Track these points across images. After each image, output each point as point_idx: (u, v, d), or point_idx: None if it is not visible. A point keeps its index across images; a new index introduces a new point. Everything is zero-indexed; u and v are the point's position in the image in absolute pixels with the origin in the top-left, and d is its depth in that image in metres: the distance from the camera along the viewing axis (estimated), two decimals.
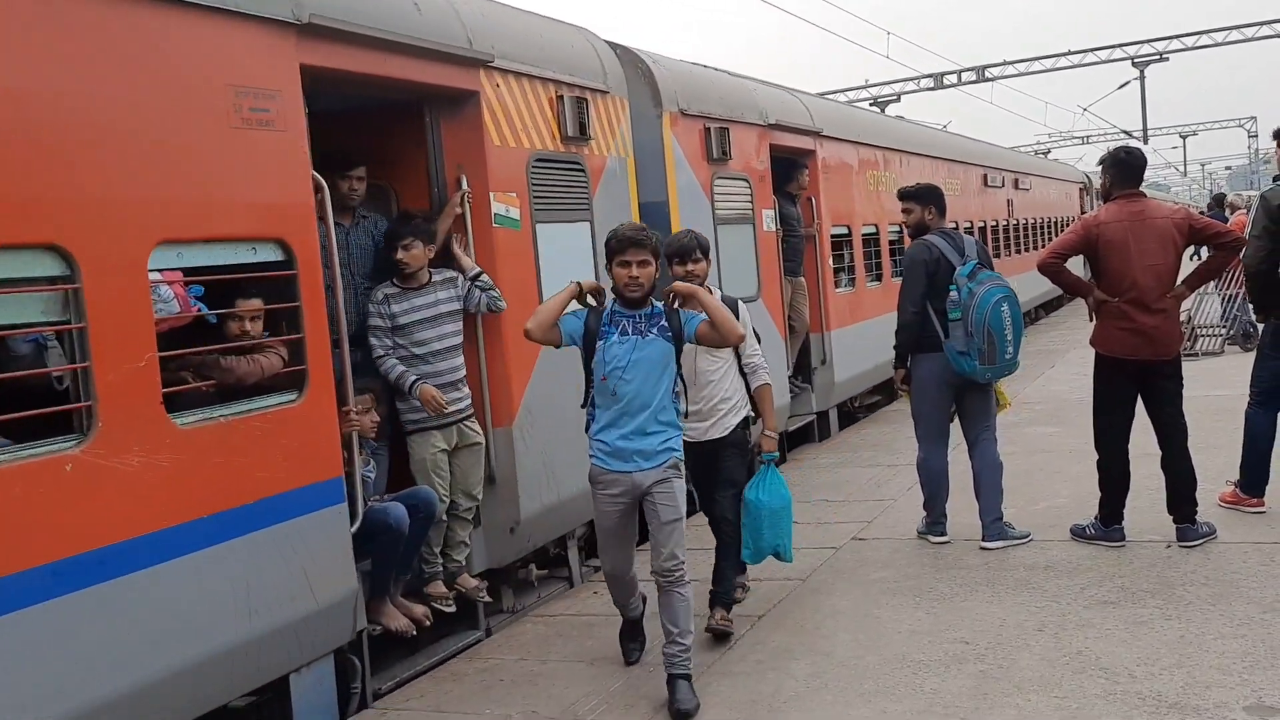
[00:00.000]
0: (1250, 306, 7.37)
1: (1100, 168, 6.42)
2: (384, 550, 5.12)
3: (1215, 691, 4.27)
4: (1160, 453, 6.24)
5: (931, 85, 36.27)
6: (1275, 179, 6.53)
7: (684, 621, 4.72)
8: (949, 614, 5.44)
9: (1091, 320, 6.32)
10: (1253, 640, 4.73)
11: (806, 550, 6.62)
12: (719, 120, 8.75)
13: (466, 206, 5.87)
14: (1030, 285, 17.83)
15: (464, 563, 5.83)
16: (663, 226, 7.25)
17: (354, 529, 4.89)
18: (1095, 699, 4.32)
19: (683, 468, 4.85)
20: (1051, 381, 12.74)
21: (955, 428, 6.72)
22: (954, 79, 36.08)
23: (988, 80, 35.86)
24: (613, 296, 4.86)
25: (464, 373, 5.81)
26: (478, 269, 5.85)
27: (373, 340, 5.62)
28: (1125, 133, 45.66)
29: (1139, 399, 6.23)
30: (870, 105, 32.98)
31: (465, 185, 5.88)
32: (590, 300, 4.82)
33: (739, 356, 5.47)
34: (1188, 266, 6.41)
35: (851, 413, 12.06)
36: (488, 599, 5.89)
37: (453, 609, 5.67)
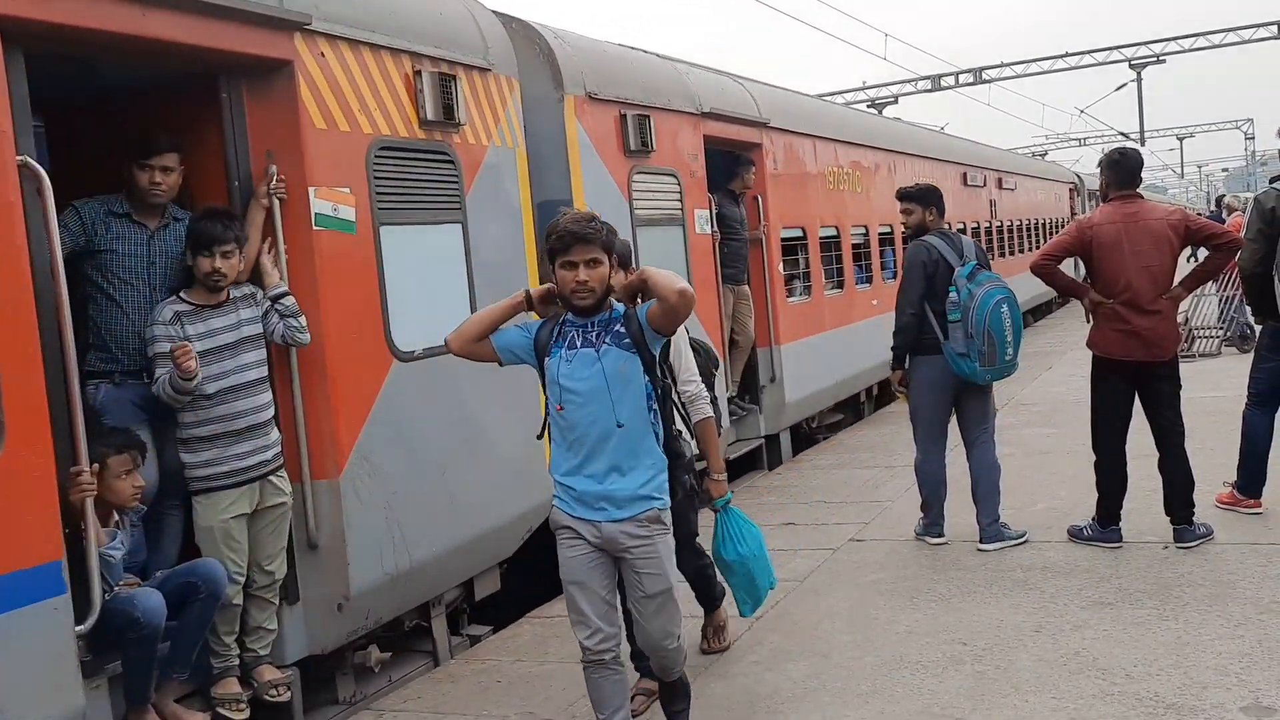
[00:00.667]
0: (1248, 308, 7.44)
1: (1098, 169, 6.39)
2: (135, 650, 3.94)
3: (1212, 692, 4.25)
4: (1157, 454, 6.22)
5: (929, 87, 35.82)
6: (1271, 181, 6.45)
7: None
8: (946, 615, 5.43)
9: (1089, 322, 6.32)
10: (1250, 641, 4.71)
11: (804, 552, 6.76)
12: (638, 106, 7.57)
13: (275, 198, 4.67)
14: (1017, 290, 16.70)
15: (266, 652, 4.62)
16: None
17: (85, 627, 3.72)
18: (1092, 699, 4.29)
19: (669, 519, 3.89)
20: (1049, 383, 12.61)
21: (954, 429, 6.66)
22: (951, 81, 35.56)
23: (985, 82, 35.43)
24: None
25: (272, 412, 4.63)
26: (282, 286, 4.67)
27: (158, 372, 4.37)
28: (1122, 134, 45.22)
29: (1137, 400, 6.22)
30: (868, 107, 32.21)
31: (274, 171, 4.69)
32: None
33: (674, 381, 4.43)
34: (1185, 269, 6.39)
35: (810, 435, 10.83)
36: (283, 697, 4.60)
37: (245, 714, 4.44)
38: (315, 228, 4.79)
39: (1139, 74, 36.20)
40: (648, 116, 7.56)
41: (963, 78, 35.54)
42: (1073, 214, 26.92)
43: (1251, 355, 6.75)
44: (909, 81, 36.06)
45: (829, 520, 7.54)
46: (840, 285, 11.41)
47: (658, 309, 3.72)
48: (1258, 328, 6.80)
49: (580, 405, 3.74)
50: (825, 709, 4.48)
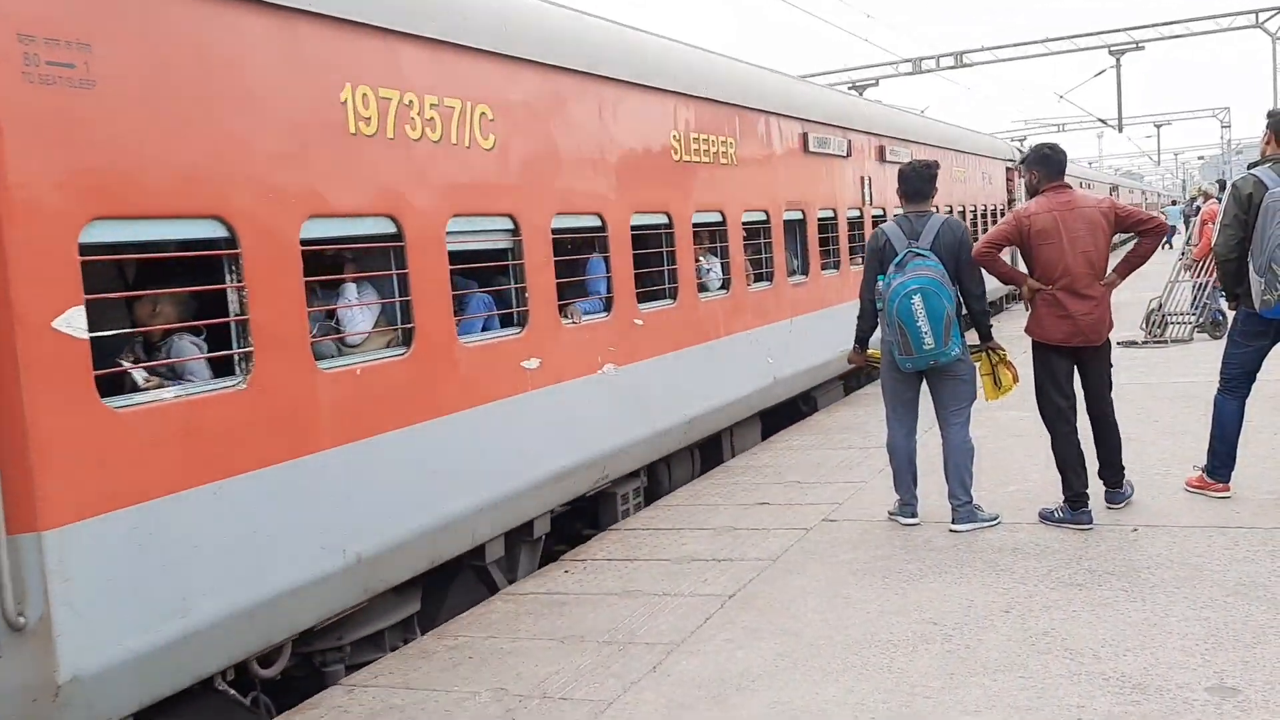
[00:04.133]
0: (1221, 295, 7.74)
1: (1024, 165, 6.67)
2: None
3: (1178, 673, 4.29)
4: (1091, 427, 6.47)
5: (910, 70, 35.70)
6: (1249, 166, 6.55)
7: None
8: (917, 595, 5.48)
9: (1027, 310, 6.55)
10: (1215, 623, 4.77)
11: (777, 531, 6.85)
12: None
13: None
14: None
15: None
16: None
17: None
18: (1060, 679, 4.32)
19: None
20: (1022, 366, 12.63)
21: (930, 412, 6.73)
22: (933, 64, 35.48)
23: (966, 66, 35.31)
24: None
25: None
26: None
27: None
28: (1101, 120, 45.31)
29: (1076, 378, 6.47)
30: (849, 89, 32.01)
31: None
32: None
33: None
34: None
35: (335, 658, 5.47)
36: None
37: None
38: None
39: (1118, 60, 36.34)
40: None
41: (944, 61, 35.50)
42: (1011, 200, 22.30)
43: (1224, 341, 6.86)
44: (890, 64, 36.01)
45: (802, 500, 7.59)
46: (407, 341, 5.56)
47: None
48: (1230, 314, 6.90)
49: None
50: (796, 686, 4.50)
